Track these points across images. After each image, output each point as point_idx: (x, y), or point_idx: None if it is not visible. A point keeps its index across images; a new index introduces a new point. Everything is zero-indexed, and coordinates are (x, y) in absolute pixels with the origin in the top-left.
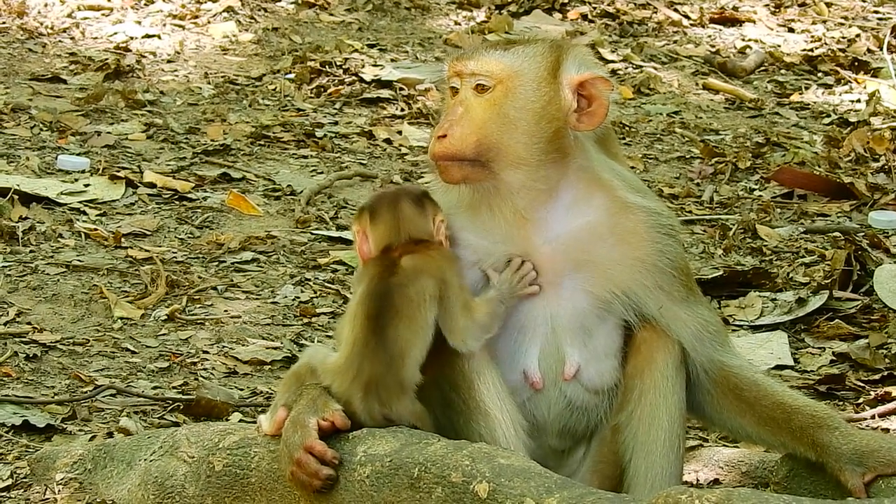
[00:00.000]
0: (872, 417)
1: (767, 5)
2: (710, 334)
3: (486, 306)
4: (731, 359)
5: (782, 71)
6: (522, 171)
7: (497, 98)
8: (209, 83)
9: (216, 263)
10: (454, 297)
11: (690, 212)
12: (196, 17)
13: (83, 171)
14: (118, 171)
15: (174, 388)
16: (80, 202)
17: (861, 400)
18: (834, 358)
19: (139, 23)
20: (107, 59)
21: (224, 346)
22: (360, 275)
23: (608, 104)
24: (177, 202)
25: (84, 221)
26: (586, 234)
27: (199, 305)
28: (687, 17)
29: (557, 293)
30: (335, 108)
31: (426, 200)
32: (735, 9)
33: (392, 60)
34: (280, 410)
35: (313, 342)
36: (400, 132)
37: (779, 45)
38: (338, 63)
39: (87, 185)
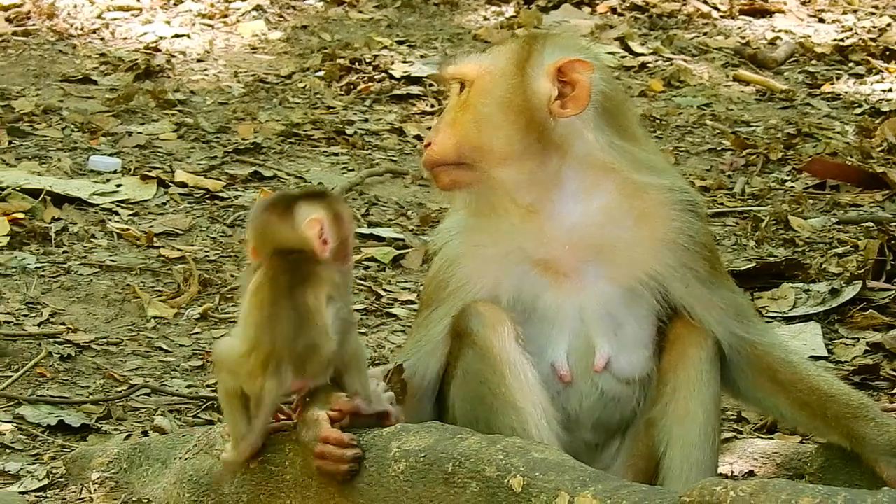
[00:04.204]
0: None
1: None
2: (739, 312)
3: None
4: (763, 337)
5: (813, 61)
6: (511, 167)
7: (471, 98)
8: (239, 82)
9: (248, 262)
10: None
11: (722, 204)
12: (225, 16)
13: (115, 172)
14: (150, 171)
15: (208, 386)
16: (112, 202)
17: None
18: (868, 348)
19: (169, 23)
20: (137, 59)
21: None
22: (250, 270)
23: (590, 85)
24: (208, 201)
25: (116, 221)
26: (602, 219)
27: (231, 304)
28: (716, 8)
29: (581, 283)
30: (365, 106)
31: (294, 208)
32: (765, 0)
33: (421, 57)
34: (243, 445)
35: None
36: (430, 128)
37: (809, 36)
38: (367, 60)
39: (118, 186)
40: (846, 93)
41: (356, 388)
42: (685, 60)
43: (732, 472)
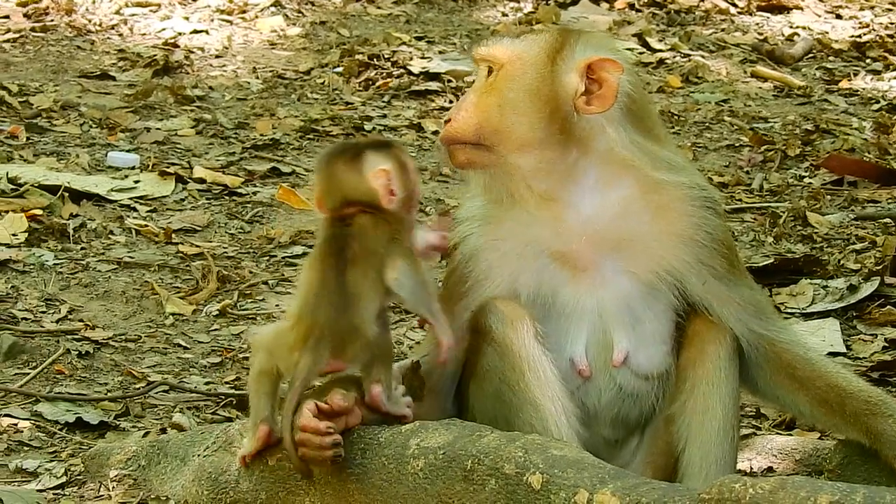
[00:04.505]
0: None
1: None
2: (757, 309)
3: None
4: (781, 334)
5: (830, 58)
6: (529, 154)
7: (499, 82)
8: (257, 78)
9: (267, 258)
10: (399, 248)
11: (740, 200)
12: (244, 11)
13: (133, 168)
14: (168, 167)
15: (227, 383)
16: (130, 199)
17: None
18: (886, 344)
19: (187, 18)
20: (155, 55)
21: None
22: (318, 228)
23: (617, 86)
24: (227, 197)
25: (134, 218)
26: (620, 212)
27: (250, 300)
28: (734, 4)
29: (600, 277)
30: (384, 101)
31: (362, 156)
32: None
33: (440, 52)
34: (261, 427)
35: None
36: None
37: (827, 32)
38: (386, 56)
39: (137, 182)
40: (863, 89)
41: (381, 377)
42: (703, 56)
43: (751, 468)
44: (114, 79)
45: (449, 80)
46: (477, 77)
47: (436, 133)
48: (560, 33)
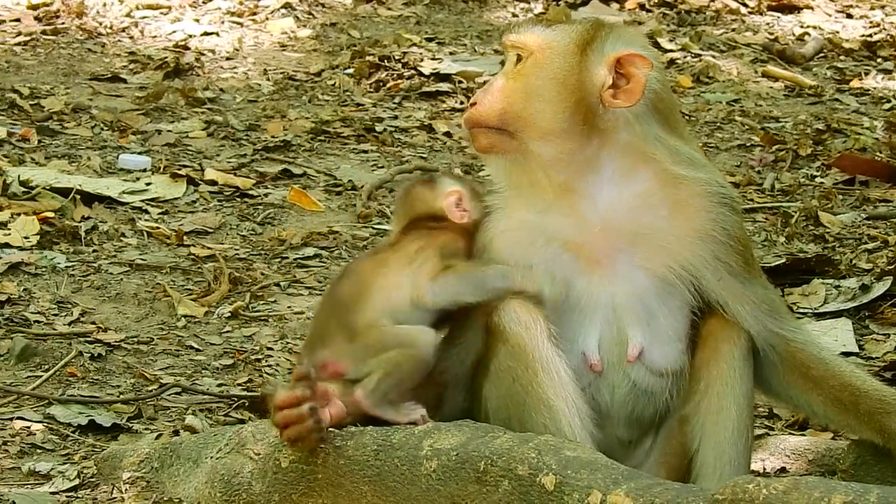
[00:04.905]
0: None
1: None
2: (771, 308)
3: (467, 268)
4: (796, 333)
5: (841, 57)
6: (551, 143)
7: (527, 69)
8: (268, 80)
9: (279, 260)
10: (431, 256)
11: (752, 200)
12: (254, 13)
13: (144, 170)
14: (179, 170)
15: (239, 385)
16: (141, 201)
17: None
18: None
19: (198, 21)
20: (166, 57)
21: (288, 343)
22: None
23: (645, 81)
24: (238, 199)
25: (146, 220)
26: (637, 205)
27: (262, 302)
28: (745, 4)
29: (614, 271)
30: (394, 103)
31: (437, 180)
32: None
33: (450, 54)
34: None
35: None
36: (460, 125)
37: (837, 32)
38: (396, 57)
39: (148, 184)
40: (875, 88)
41: (373, 381)
42: (714, 56)
43: (764, 469)
44: (125, 81)
45: (460, 81)
46: (506, 62)
47: (447, 134)
48: (592, 25)
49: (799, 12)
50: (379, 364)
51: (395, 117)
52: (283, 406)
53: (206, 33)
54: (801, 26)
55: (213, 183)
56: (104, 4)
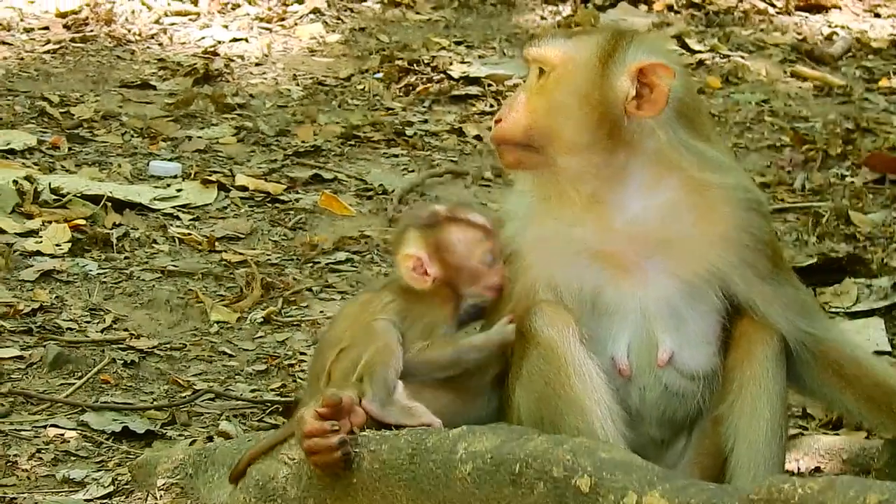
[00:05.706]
0: None
1: None
2: (803, 308)
3: (443, 346)
4: (828, 332)
5: (870, 56)
6: (578, 157)
7: (550, 84)
8: (298, 85)
9: (310, 265)
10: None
11: (783, 200)
12: (283, 19)
13: (175, 177)
14: (210, 176)
15: (272, 390)
16: (172, 207)
17: None
18: None
19: (226, 27)
20: (195, 63)
21: None
22: None
23: (668, 91)
24: (269, 205)
25: (177, 226)
26: (665, 212)
27: (294, 307)
28: (773, 4)
29: (643, 278)
30: (424, 107)
31: (405, 233)
32: None
33: (479, 57)
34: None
35: None
36: (490, 128)
37: (865, 31)
38: (425, 61)
39: (179, 190)
40: None
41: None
42: (742, 57)
43: (798, 468)
44: (154, 88)
45: (489, 84)
46: (528, 77)
47: (477, 137)
48: (613, 35)
49: (827, 12)
50: (362, 371)
51: (425, 121)
52: (312, 435)
53: (234, 39)
54: (830, 26)
55: (243, 189)
56: (133, 12)
